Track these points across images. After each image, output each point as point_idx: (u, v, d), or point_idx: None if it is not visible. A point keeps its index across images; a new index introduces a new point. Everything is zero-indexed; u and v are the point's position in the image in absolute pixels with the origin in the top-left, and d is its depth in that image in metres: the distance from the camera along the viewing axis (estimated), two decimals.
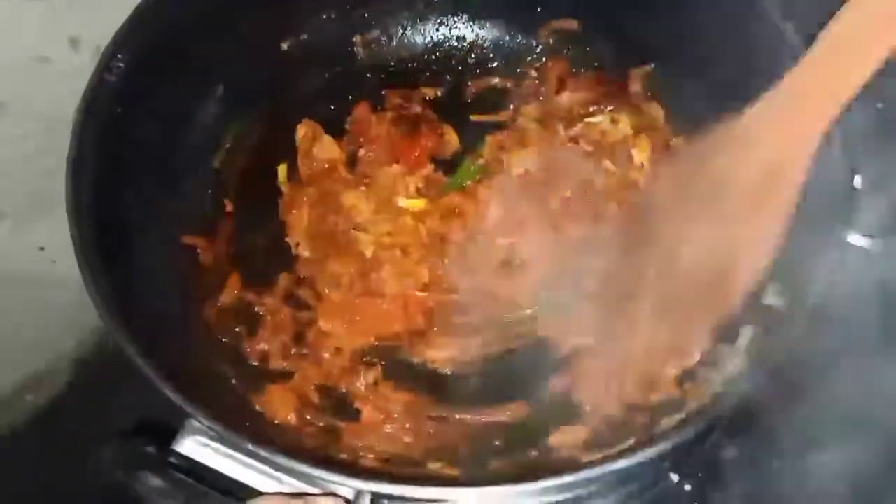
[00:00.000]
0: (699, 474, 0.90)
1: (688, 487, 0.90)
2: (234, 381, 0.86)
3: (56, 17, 0.94)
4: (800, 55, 0.75)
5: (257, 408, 0.84)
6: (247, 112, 1.03)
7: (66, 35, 0.97)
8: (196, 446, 0.69)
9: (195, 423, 0.69)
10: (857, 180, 1.00)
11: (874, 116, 1.03)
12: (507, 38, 1.09)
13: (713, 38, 0.91)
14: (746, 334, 0.81)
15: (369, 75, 1.08)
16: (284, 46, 1.04)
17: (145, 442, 0.69)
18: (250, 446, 0.66)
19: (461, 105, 1.08)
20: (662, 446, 0.68)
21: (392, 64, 1.09)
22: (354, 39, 1.08)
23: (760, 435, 0.92)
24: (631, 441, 0.79)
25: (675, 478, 0.90)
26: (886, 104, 1.03)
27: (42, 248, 1.04)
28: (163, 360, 0.72)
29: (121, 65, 0.85)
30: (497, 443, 0.86)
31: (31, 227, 1.03)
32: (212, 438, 0.69)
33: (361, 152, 1.03)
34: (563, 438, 0.85)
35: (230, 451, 0.69)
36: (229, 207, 0.99)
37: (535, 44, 1.08)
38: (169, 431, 0.72)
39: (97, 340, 1.08)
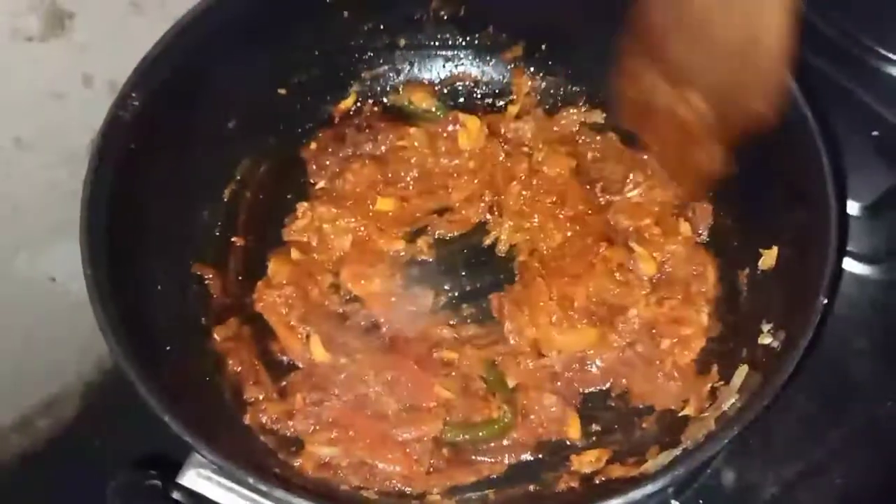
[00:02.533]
0: (700, 500, 0.91)
1: None
2: (236, 413, 0.86)
3: (69, 55, 0.96)
4: None
5: (261, 438, 0.85)
6: (257, 145, 1.04)
7: (80, 72, 1.00)
8: (199, 479, 0.70)
9: (199, 457, 0.70)
10: (854, 207, 1.02)
11: (870, 144, 1.04)
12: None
13: None
14: (741, 374, 0.82)
15: (377, 109, 1.08)
16: (295, 80, 1.05)
17: (150, 475, 0.70)
18: (251, 480, 0.66)
19: None
20: (651, 486, 0.69)
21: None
22: (363, 75, 1.09)
23: (760, 461, 0.92)
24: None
25: None
26: (882, 132, 1.04)
27: (54, 279, 1.07)
28: (169, 393, 0.72)
29: (135, 102, 0.86)
30: (494, 476, 0.87)
31: (44, 257, 1.05)
32: (214, 472, 0.70)
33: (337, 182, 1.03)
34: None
35: (233, 485, 0.70)
36: (239, 241, 1.01)
37: (540, 83, 1.10)
38: (174, 464, 0.73)
39: (108, 366, 1.10)
